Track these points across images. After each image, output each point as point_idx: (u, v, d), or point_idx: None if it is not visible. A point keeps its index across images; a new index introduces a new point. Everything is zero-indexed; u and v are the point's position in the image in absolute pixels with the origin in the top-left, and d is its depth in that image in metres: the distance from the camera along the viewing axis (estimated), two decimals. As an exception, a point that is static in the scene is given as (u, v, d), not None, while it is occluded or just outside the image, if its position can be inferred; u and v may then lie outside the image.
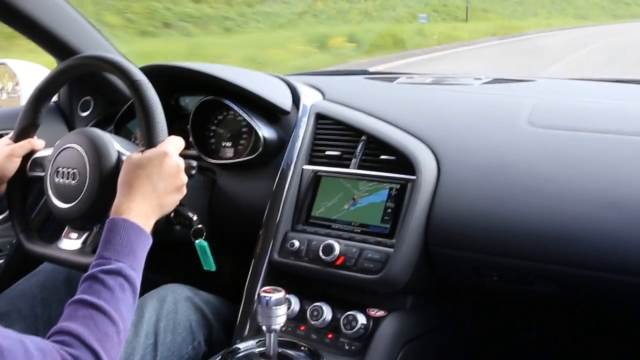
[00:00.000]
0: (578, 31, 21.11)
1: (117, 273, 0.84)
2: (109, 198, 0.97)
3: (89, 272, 0.85)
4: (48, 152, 1.18)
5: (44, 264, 1.28)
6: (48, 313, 1.20)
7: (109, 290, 0.82)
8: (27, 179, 1.20)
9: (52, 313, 1.20)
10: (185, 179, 1.00)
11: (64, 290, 1.23)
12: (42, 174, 1.17)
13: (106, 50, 1.56)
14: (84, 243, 1.10)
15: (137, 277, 0.87)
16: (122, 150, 1.09)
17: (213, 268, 1.13)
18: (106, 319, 0.80)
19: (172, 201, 0.98)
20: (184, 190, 1.01)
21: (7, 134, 1.22)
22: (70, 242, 1.12)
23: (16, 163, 1.18)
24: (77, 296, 0.82)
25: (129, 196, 0.92)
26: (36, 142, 1.20)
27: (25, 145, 1.18)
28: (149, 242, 0.92)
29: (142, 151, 0.99)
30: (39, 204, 1.54)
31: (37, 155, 1.20)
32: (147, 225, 0.92)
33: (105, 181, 1.05)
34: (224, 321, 1.21)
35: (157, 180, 0.95)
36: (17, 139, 1.18)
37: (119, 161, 1.07)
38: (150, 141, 1.00)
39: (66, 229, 1.14)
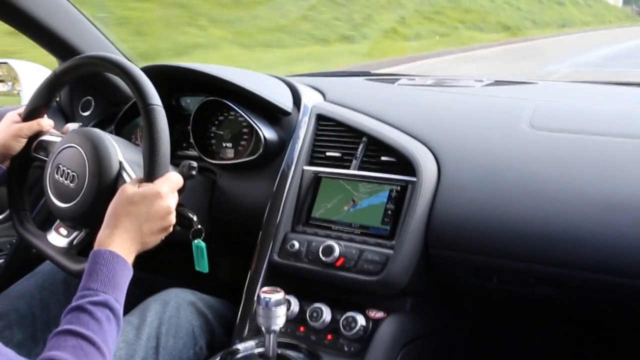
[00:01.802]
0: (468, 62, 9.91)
1: (104, 305, 0.84)
2: (103, 208, 0.97)
3: (75, 303, 0.84)
4: (55, 138, 1.18)
5: (43, 264, 1.29)
6: (46, 314, 1.20)
7: (96, 321, 0.82)
8: (30, 159, 1.21)
9: (50, 314, 1.20)
10: (173, 220, 1.00)
11: (62, 291, 1.23)
12: (46, 158, 1.17)
13: (108, 51, 1.56)
14: (70, 244, 1.10)
15: (121, 310, 0.87)
16: (124, 162, 1.08)
17: (206, 270, 1.12)
18: (95, 350, 0.80)
19: (154, 240, 0.98)
20: (170, 230, 1.01)
21: None
22: (59, 238, 1.12)
23: (22, 142, 1.18)
24: (64, 326, 0.82)
25: (114, 229, 0.93)
26: (45, 122, 1.20)
27: (33, 126, 1.18)
28: (130, 274, 0.92)
29: (140, 181, 0.99)
30: (40, 202, 1.54)
31: (44, 138, 1.20)
32: (129, 259, 0.93)
33: (101, 192, 1.04)
34: (227, 325, 1.20)
35: (144, 220, 0.95)
36: (26, 118, 1.18)
37: (119, 176, 1.06)
38: (150, 173, 0.99)
39: (57, 222, 1.15)
